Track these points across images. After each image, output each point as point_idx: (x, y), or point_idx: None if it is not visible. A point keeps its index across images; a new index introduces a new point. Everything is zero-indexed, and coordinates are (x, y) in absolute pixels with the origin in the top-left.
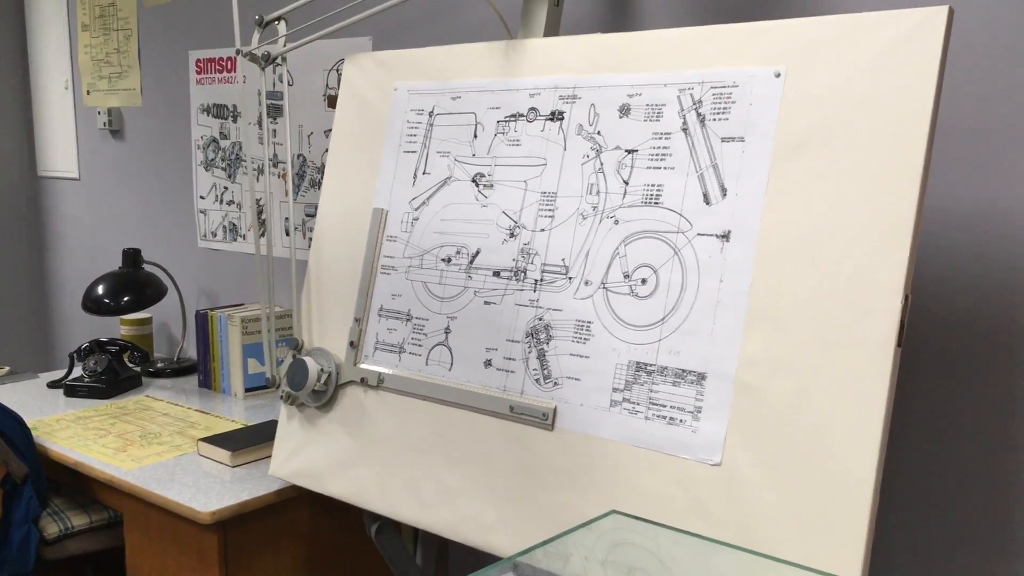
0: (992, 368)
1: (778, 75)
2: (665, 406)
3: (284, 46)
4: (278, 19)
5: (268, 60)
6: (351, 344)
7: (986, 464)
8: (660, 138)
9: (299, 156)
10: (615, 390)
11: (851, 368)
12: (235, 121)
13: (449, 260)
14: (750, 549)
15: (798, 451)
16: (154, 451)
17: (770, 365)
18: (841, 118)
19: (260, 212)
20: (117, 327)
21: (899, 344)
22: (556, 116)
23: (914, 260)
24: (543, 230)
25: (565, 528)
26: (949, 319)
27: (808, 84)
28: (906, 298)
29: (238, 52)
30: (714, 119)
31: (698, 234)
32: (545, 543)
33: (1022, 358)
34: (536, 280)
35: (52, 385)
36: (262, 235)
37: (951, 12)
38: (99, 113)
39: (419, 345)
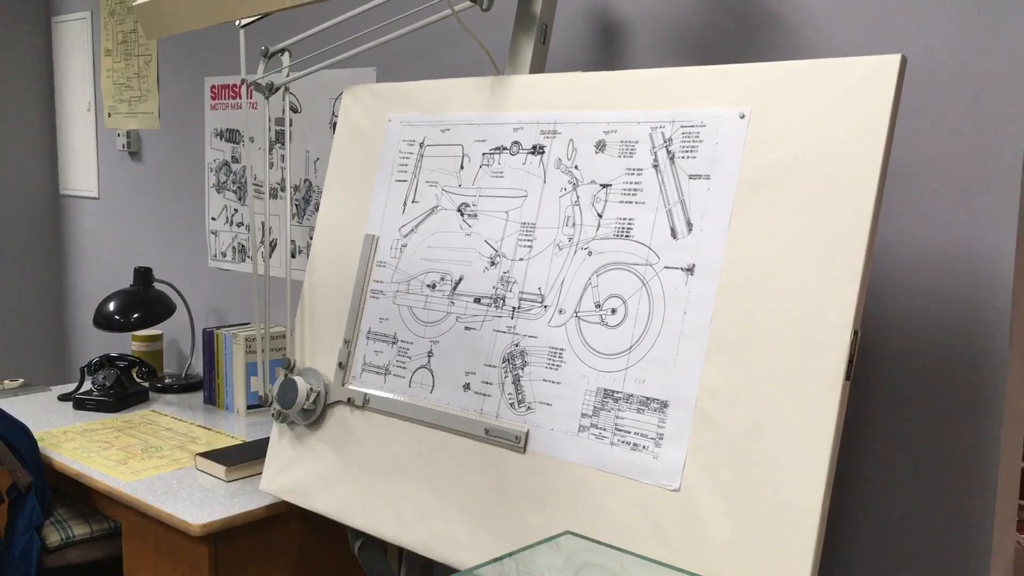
0: (949, 400)
1: (743, 116)
2: (629, 432)
3: (287, 76)
4: (282, 51)
5: (272, 89)
6: (340, 365)
7: (938, 494)
8: (632, 173)
9: (305, 180)
10: (583, 415)
11: (802, 400)
12: (244, 146)
13: (434, 286)
14: (696, 574)
15: (751, 479)
16: (154, 464)
17: (728, 395)
18: (799, 158)
19: (266, 234)
20: (129, 343)
21: (848, 378)
22: (537, 150)
23: (864, 297)
24: (522, 259)
25: None
26: (912, 353)
27: (770, 125)
28: (855, 333)
29: (243, 82)
30: (683, 156)
31: (665, 267)
32: (499, 558)
33: (979, 390)
34: (514, 307)
35: (63, 398)
36: (270, 254)
37: (904, 60)
38: (119, 135)
39: (403, 367)
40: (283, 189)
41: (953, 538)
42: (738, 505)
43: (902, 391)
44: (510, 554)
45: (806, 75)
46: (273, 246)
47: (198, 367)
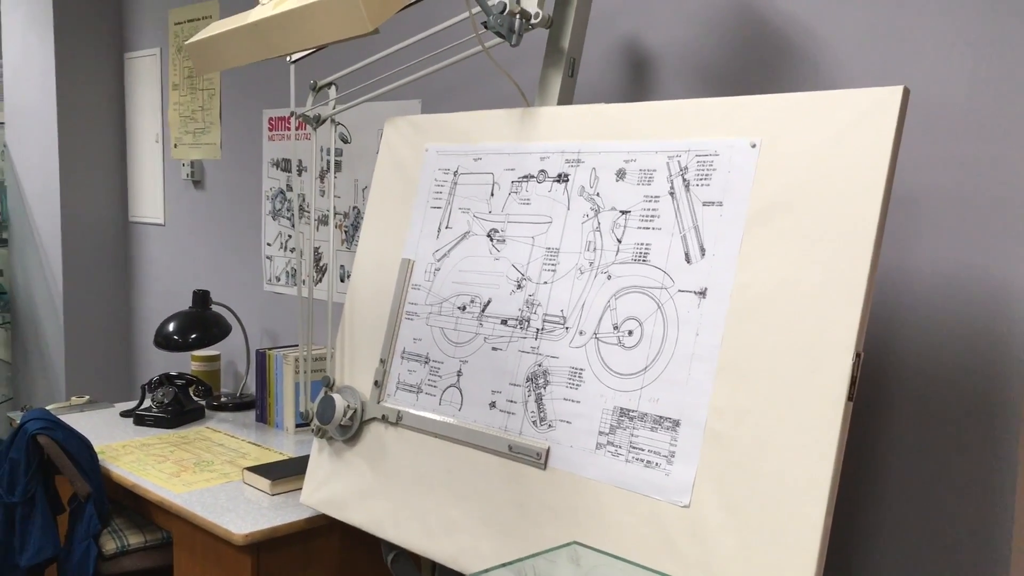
0: (965, 417)
1: (754, 146)
2: (643, 450)
3: (334, 108)
4: (329, 84)
5: (319, 121)
6: (376, 383)
7: (955, 508)
8: (650, 200)
9: (354, 208)
10: (601, 433)
11: (807, 419)
12: (301, 175)
13: (464, 308)
14: None
15: (757, 496)
16: (204, 477)
17: (736, 415)
18: (806, 186)
19: (312, 258)
20: (189, 363)
21: (850, 398)
22: (562, 178)
23: (867, 320)
24: (546, 283)
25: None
26: (928, 373)
27: (779, 154)
28: (858, 355)
29: (292, 114)
30: (697, 184)
31: (679, 290)
32: (504, 565)
33: (995, 407)
34: (538, 329)
35: (124, 414)
36: (317, 280)
37: (906, 92)
38: (183, 165)
39: (434, 386)
40: (332, 216)
41: (970, 554)
42: (744, 521)
43: (919, 410)
44: (512, 562)
45: (814, 106)
46: (323, 271)
47: (251, 386)
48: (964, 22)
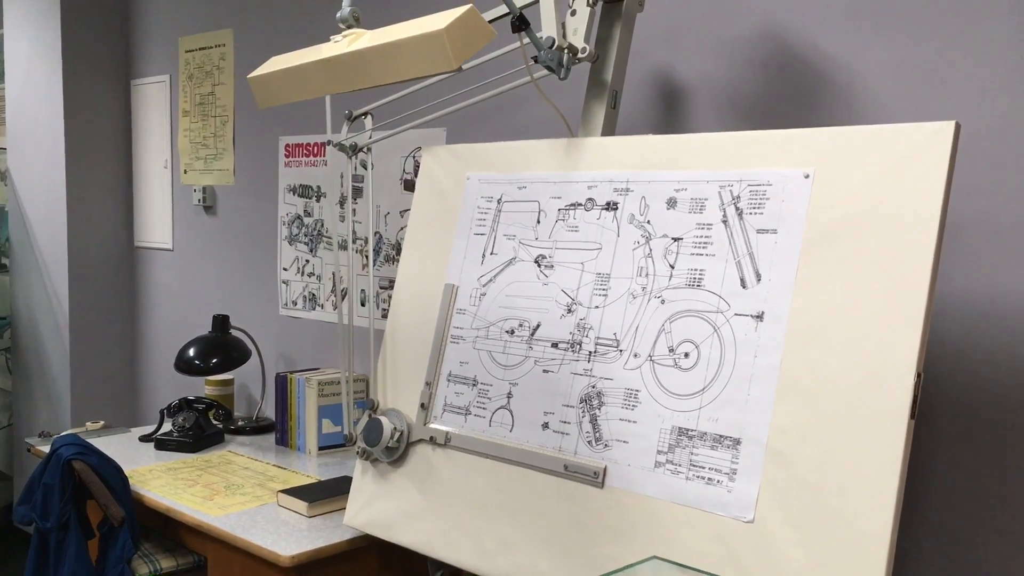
0: (1007, 436)
1: (807, 176)
2: (704, 468)
3: (370, 137)
4: (365, 114)
5: (355, 150)
6: (422, 406)
7: (992, 516)
8: (703, 228)
9: (376, 233)
10: (659, 452)
11: (869, 437)
12: (319, 200)
13: (512, 332)
14: None
15: (822, 512)
16: (238, 500)
17: (798, 433)
18: (862, 216)
19: (338, 283)
20: (201, 387)
21: (912, 417)
22: (611, 206)
23: (926, 342)
24: (597, 307)
25: None
26: (973, 392)
27: (833, 185)
28: (919, 375)
29: (329, 142)
30: (751, 213)
31: (735, 314)
32: None
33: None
34: (590, 352)
35: (143, 439)
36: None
37: (958, 126)
38: (195, 190)
39: (483, 408)
40: (353, 242)
41: (1011, 561)
42: (810, 536)
43: (963, 428)
44: None
45: (866, 139)
46: (343, 295)
47: (267, 410)
48: (994, 58)
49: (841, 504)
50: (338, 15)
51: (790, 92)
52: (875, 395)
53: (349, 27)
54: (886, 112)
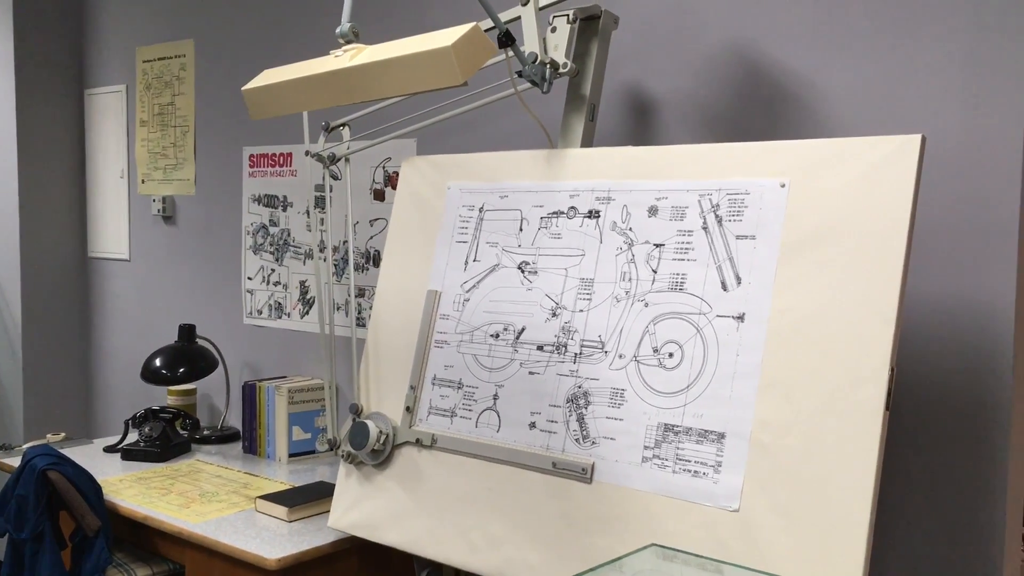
0: (962, 426)
1: (783, 185)
2: (690, 461)
3: (348, 148)
4: (342, 125)
5: (332, 160)
6: (407, 409)
7: (960, 508)
8: (684, 235)
9: (344, 242)
10: (646, 447)
11: (847, 428)
12: (285, 210)
13: (497, 336)
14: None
15: (804, 499)
16: (215, 507)
17: (779, 426)
18: (837, 222)
19: (322, 293)
20: (159, 397)
21: (887, 408)
22: (593, 214)
23: (898, 338)
24: (582, 311)
25: None
26: (930, 386)
27: (809, 194)
28: (892, 369)
29: (307, 153)
30: (730, 220)
31: (717, 315)
32: (583, 573)
33: (988, 414)
34: (576, 353)
35: (108, 449)
36: (307, 311)
37: (923, 139)
38: (154, 200)
39: (469, 410)
40: (321, 250)
41: (968, 534)
42: (793, 522)
43: (922, 419)
44: (592, 569)
45: (840, 151)
46: (310, 303)
47: (231, 418)
48: (947, 74)
49: (822, 491)
50: (338, 30)
51: (757, 106)
52: (852, 388)
53: (348, 42)
54: (848, 125)
